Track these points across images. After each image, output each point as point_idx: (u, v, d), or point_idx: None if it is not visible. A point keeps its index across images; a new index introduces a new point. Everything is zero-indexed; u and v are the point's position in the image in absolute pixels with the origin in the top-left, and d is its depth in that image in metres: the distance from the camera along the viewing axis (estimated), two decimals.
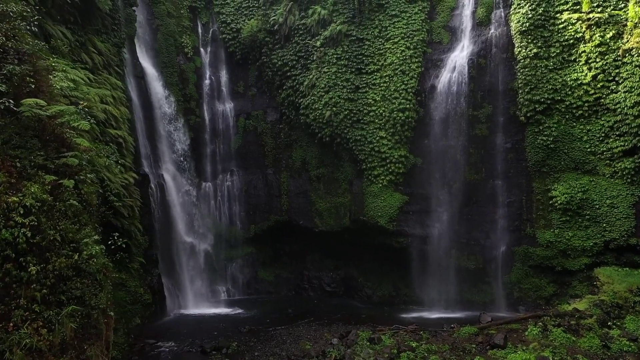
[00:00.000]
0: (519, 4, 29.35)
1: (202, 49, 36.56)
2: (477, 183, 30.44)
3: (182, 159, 33.23)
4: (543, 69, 28.37)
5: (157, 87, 32.11)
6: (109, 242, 23.35)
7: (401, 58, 31.82)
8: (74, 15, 22.37)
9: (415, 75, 31.52)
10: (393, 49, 32.21)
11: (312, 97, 33.13)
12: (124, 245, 15.73)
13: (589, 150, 27.58)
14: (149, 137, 30.42)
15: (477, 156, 30.55)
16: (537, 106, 28.44)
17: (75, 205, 11.90)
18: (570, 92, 27.83)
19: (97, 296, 11.72)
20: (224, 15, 36.49)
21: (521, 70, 28.93)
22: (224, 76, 36.91)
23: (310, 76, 33.56)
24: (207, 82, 36.30)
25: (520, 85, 28.98)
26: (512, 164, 29.71)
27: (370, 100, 32.10)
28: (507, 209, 29.68)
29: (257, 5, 36.16)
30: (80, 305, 11.24)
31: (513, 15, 29.48)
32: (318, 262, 35.82)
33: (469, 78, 30.45)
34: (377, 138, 31.62)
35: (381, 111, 31.72)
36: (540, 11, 28.48)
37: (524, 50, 28.88)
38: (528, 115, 28.74)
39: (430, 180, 31.25)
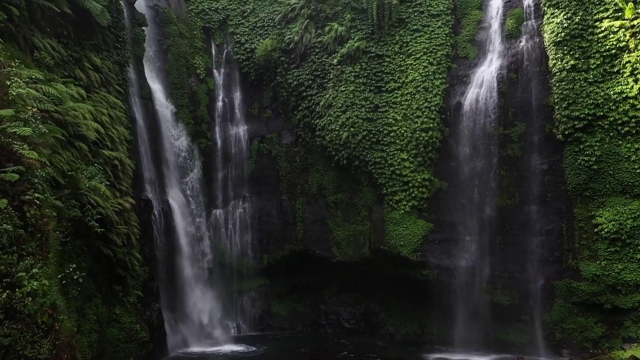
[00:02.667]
0: (552, 13, 26.89)
1: (215, 71, 35.15)
2: (510, 209, 27.50)
3: (190, 184, 31.40)
4: (582, 82, 25.61)
5: (165, 109, 30.62)
6: (106, 275, 21.41)
7: (424, 74, 29.57)
8: (67, 29, 20.99)
9: (439, 92, 29.16)
10: (415, 65, 30.03)
11: (329, 118, 31.05)
12: (80, 280, 13.48)
13: (638, 171, 24.44)
14: (154, 161, 28.72)
15: (509, 179, 27.69)
16: (576, 123, 25.58)
17: (10, 231, 9.79)
18: (614, 107, 24.93)
19: (37, 344, 9.45)
20: (238, 36, 35.14)
21: (557, 84, 26.25)
22: (237, 98, 35.30)
23: (327, 96, 31.58)
24: (219, 104, 34.73)
25: (556, 101, 26.26)
26: (550, 187, 26.72)
27: (390, 120, 29.83)
28: (545, 237, 26.54)
29: (272, 24, 34.73)
30: (11, 357, 8.98)
31: (546, 26, 27.01)
32: (336, 295, 33.05)
33: (499, 94, 27.90)
34: (399, 160, 29.19)
35: (402, 131, 29.36)
36: (577, 20, 25.91)
37: (559, 63, 26.26)
38: (566, 133, 25.88)
39: (458, 206, 28.53)
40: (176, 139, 30.91)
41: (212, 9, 35.28)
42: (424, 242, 28.90)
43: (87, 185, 17.45)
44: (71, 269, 12.71)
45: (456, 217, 28.58)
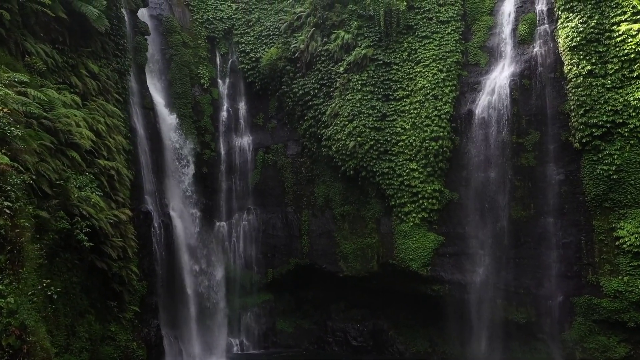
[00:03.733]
0: (567, 18, 25.84)
1: (219, 80, 34.46)
2: (525, 221, 26.21)
3: (193, 196, 30.50)
4: (599, 88, 24.44)
5: (167, 119, 29.87)
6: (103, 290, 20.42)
7: (433, 82, 28.61)
8: (63, 35, 20.33)
9: (450, 100, 28.14)
10: (424, 72, 29.09)
11: (335, 127, 30.12)
12: (55, 296, 12.48)
13: None
14: (155, 172, 27.88)
15: (523, 190, 26.45)
16: (594, 131, 24.36)
17: None
18: (634, 114, 23.70)
19: None
20: (243, 45, 34.49)
21: (573, 91, 25.11)
22: (242, 108, 34.53)
23: (333, 105, 30.71)
24: (224, 114, 33.97)
25: (572, 108, 25.10)
26: (567, 198, 25.42)
27: (399, 129, 28.84)
28: (562, 251, 25.19)
29: (277, 33, 34.08)
30: None
31: (560, 30, 25.96)
32: (343, 311, 31.80)
33: (512, 101, 26.80)
34: (407, 170, 28.11)
35: (411, 140, 28.32)
36: (593, 24, 24.83)
37: (575, 68, 25.14)
38: (584, 141, 24.66)
39: (469, 217, 27.31)
40: (178, 149, 30.10)
41: (217, 18, 34.72)
42: (434, 256, 27.68)
43: (77, 196, 16.57)
44: (44, 285, 11.65)
45: (468, 229, 27.37)
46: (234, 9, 34.99)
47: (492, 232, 26.72)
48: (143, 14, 30.93)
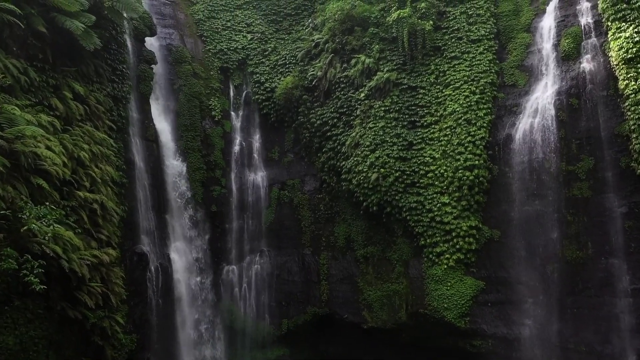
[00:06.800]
0: (618, 28, 22.67)
1: (232, 112, 32.10)
2: (582, 263, 22.16)
3: (199, 236, 27.55)
4: None
5: (171, 153, 27.48)
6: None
7: (465, 105, 25.51)
8: (44, 52, 18.24)
9: (485, 124, 24.93)
10: (454, 95, 26.07)
11: (356, 158, 27.06)
12: None
13: None
14: (156, 209, 25.23)
15: (578, 225, 22.52)
16: None
17: None
18: None
19: None
20: (257, 75, 32.27)
21: (632, 109, 21.58)
22: (256, 141, 31.92)
23: (354, 134, 27.80)
24: (236, 148, 31.38)
25: (632, 129, 21.50)
26: (632, 235, 21.39)
27: (427, 159, 25.63)
28: (632, 299, 20.91)
29: (294, 61, 31.82)
30: None
31: (612, 43, 22.76)
32: None
33: (558, 123, 23.39)
34: (439, 205, 24.65)
35: (442, 171, 24.98)
36: None
37: (633, 83, 21.68)
38: None
39: (514, 259, 23.51)
40: (184, 185, 27.47)
41: (231, 48, 32.77)
42: (473, 305, 23.83)
43: (39, 230, 13.72)
44: None
45: (513, 273, 23.45)
46: (249, 39, 33.07)
47: (542, 276, 22.72)
48: (152, 43, 29.23)
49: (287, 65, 31.99)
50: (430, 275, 24.63)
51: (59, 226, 14.89)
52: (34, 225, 13.16)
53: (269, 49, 32.93)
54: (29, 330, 14.69)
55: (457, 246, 24.14)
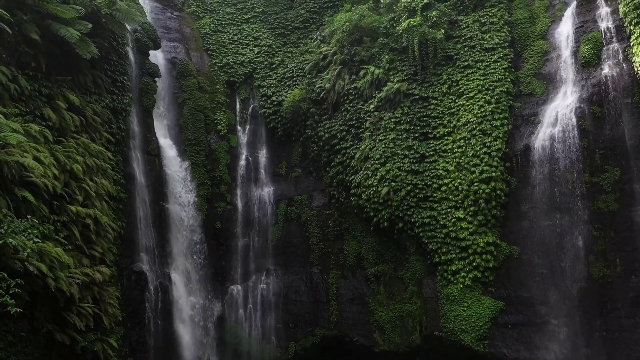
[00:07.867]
0: None
1: (239, 127, 31.21)
2: (610, 281, 20.64)
3: (202, 254, 26.40)
4: None
5: (174, 168, 26.63)
6: None
7: (480, 115, 24.36)
8: (37, 60, 17.51)
9: (501, 135, 23.69)
10: (468, 105, 24.96)
11: (365, 172, 25.90)
12: None
13: None
14: (157, 226, 24.21)
15: (604, 241, 21.04)
16: None
17: None
18: None
19: None
20: (264, 88, 31.42)
21: None
22: (263, 156, 30.91)
23: (363, 147, 26.70)
24: (242, 163, 30.39)
25: None
26: None
27: (440, 171, 24.40)
28: None
29: (301, 74, 30.96)
30: None
31: (635, 47, 21.64)
32: None
33: (580, 132, 22.13)
34: (453, 220, 23.34)
35: (456, 184, 23.72)
36: None
37: None
38: None
39: (536, 277, 22.05)
40: (187, 201, 26.46)
41: (238, 62, 32.05)
42: (492, 327, 22.30)
43: (14, 244, 12.68)
44: None
45: (535, 292, 21.95)
46: (255, 52, 32.35)
47: (567, 295, 21.17)
48: (157, 57, 28.63)
49: (295, 78, 31.15)
50: (446, 295, 23.14)
51: (44, 242, 13.85)
52: (10, 240, 12.13)
53: (276, 62, 32.18)
54: (9, 354, 13.57)
55: (474, 264, 22.70)
